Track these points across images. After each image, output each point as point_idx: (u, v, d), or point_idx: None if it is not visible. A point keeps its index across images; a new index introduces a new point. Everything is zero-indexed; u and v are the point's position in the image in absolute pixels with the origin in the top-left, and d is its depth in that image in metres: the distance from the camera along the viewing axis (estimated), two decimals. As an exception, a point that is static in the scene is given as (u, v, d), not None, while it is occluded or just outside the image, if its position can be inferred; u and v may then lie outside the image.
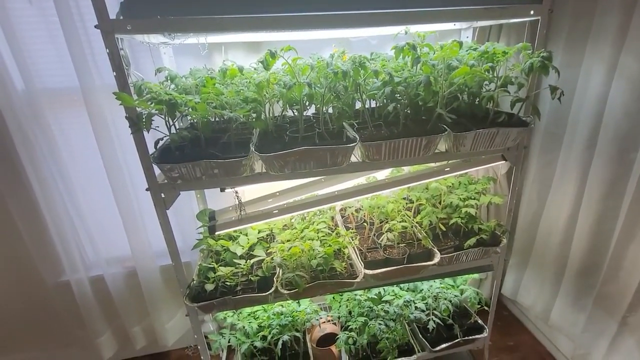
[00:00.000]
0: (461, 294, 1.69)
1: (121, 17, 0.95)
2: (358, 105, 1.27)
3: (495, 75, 1.18)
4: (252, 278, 1.31)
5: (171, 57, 1.43)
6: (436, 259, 1.37)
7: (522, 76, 1.15)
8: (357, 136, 1.12)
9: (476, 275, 1.83)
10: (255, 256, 1.38)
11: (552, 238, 1.70)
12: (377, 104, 1.29)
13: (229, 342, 1.50)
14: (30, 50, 1.36)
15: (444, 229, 1.50)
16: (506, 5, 1.13)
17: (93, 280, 1.73)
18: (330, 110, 1.23)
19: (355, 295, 1.67)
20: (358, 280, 1.31)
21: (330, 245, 1.33)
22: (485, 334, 1.66)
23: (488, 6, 1.12)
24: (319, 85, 1.11)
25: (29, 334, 1.84)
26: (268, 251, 1.43)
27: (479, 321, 1.72)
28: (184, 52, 1.47)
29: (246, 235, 1.48)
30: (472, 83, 1.16)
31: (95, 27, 0.89)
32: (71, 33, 1.30)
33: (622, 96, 1.31)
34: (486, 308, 1.68)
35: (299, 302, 1.68)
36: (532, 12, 1.13)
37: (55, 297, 1.74)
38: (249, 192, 1.55)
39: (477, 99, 1.25)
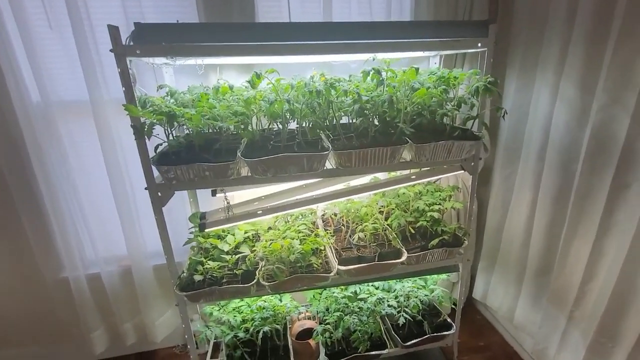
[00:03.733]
0: (431, 294, 1.83)
1: (131, 43, 1.14)
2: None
3: (449, 96, 1.38)
4: (236, 271, 1.45)
5: (172, 76, 1.62)
6: (403, 257, 1.53)
7: (472, 97, 1.35)
8: (330, 145, 1.31)
9: (444, 276, 1.98)
10: (240, 253, 1.53)
11: (514, 242, 1.87)
12: (350, 119, 1.48)
13: (214, 334, 1.62)
14: (47, 67, 1.54)
15: (413, 231, 1.67)
16: (458, 38, 1.35)
17: (90, 277, 1.85)
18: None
19: (333, 293, 1.81)
20: (332, 274, 1.46)
21: (308, 243, 1.48)
22: (453, 331, 1.80)
23: (442, 39, 1.33)
24: (298, 102, 1.30)
25: (27, 329, 1.95)
26: (252, 249, 1.58)
27: (448, 319, 1.86)
28: (183, 72, 1.66)
29: (233, 235, 1.63)
30: (430, 102, 1.36)
31: (110, 50, 1.07)
32: (84, 53, 1.49)
33: (564, 115, 1.51)
34: (454, 307, 1.82)
35: (280, 299, 1.82)
36: (479, 44, 1.34)
37: (54, 293, 1.85)
38: (239, 197, 1.72)
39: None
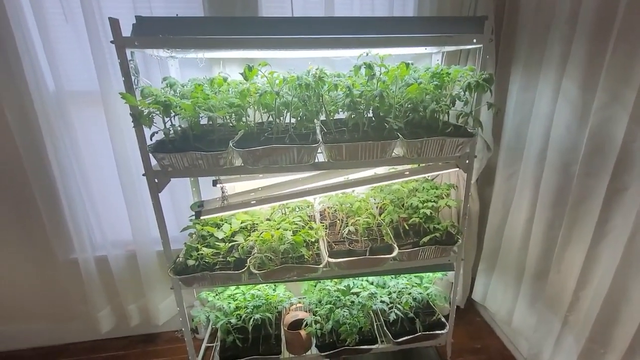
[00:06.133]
0: (425, 292, 1.83)
1: (132, 36, 1.21)
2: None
3: (442, 92, 1.37)
4: (229, 259, 1.50)
5: (177, 69, 1.69)
6: (394, 253, 1.53)
7: (465, 93, 1.34)
8: (320, 138, 1.33)
9: (439, 275, 1.96)
10: (235, 241, 1.58)
11: (514, 244, 1.84)
12: (344, 114, 1.50)
13: (207, 317, 1.68)
14: (62, 58, 1.64)
15: (407, 228, 1.67)
16: (452, 34, 1.34)
17: (98, 259, 1.96)
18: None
19: (327, 286, 1.84)
20: (321, 266, 1.49)
21: (299, 235, 1.51)
22: (446, 330, 1.79)
23: (435, 34, 1.33)
24: (290, 95, 1.33)
25: (38, 306, 2.08)
26: (247, 239, 1.62)
27: (443, 319, 1.85)
28: (188, 65, 1.73)
29: (230, 224, 1.68)
30: (423, 98, 1.36)
31: (111, 42, 1.14)
32: (96, 45, 1.58)
33: (565, 115, 1.47)
34: (447, 306, 1.81)
35: (274, 288, 1.86)
36: (474, 40, 1.32)
37: (64, 273, 1.97)
38: (241, 188, 1.77)
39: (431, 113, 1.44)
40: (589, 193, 1.36)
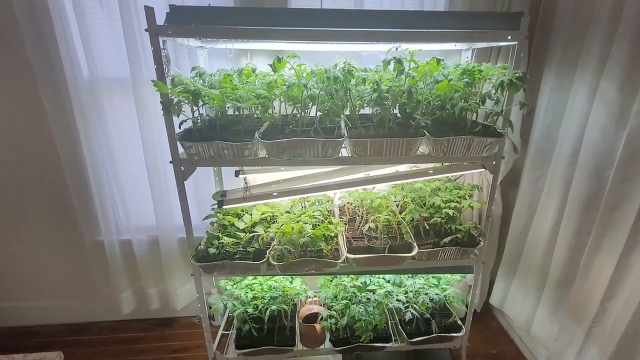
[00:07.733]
0: (442, 293, 1.80)
1: (165, 24, 1.23)
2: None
3: (472, 90, 1.34)
4: (249, 249, 1.52)
5: (206, 59, 1.71)
6: (414, 252, 1.52)
7: (497, 92, 1.30)
8: (345, 133, 1.33)
9: (458, 277, 1.93)
10: (255, 232, 1.60)
11: (537, 250, 1.78)
12: (370, 109, 1.49)
13: (225, 305, 1.71)
14: (97, 45, 1.69)
15: (427, 227, 1.65)
16: (487, 30, 1.30)
17: (122, 242, 2.03)
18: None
19: (343, 281, 1.84)
20: (340, 261, 1.49)
21: (319, 229, 1.52)
22: (462, 333, 1.76)
23: (470, 30, 1.30)
24: (317, 88, 1.33)
25: (66, 284, 2.18)
26: (267, 230, 1.64)
27: (459, 322, 1.82)
28: (217, 56, 1.74)
29: (251, 215, 1.70)
30: (452, 95, 1.33)
31: (145, 30, 1.17)
32: (130, 34, 1.62)
33: (601, 117, 1.41)
34: (463, 309, 1.78)
35: (291, 280, 1.87)
36: (509, 37, 1.28)
37: (90, 254, 2.05)
38: (261, 180, 1.79)
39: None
40: (623, 200, 1.31)
